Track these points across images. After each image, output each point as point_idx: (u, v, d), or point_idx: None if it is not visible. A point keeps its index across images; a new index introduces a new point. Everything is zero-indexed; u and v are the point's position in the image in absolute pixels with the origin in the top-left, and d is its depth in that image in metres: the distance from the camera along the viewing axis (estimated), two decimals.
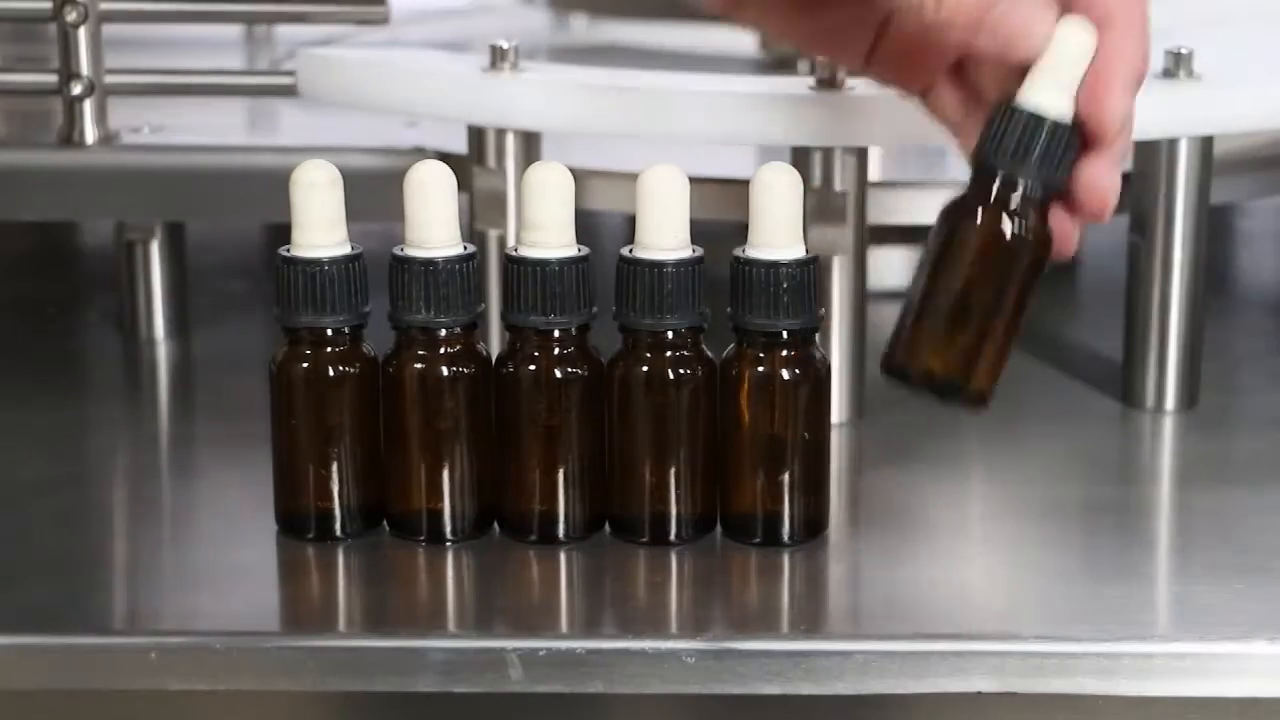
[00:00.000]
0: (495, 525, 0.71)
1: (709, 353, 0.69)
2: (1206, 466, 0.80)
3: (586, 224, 0.72)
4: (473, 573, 0.68)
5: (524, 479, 0.69)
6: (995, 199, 0.64)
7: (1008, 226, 0.64)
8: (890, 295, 0.99)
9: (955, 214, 0.65)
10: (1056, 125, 0.64)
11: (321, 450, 0.69)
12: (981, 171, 0.65)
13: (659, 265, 0.67)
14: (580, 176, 0.71)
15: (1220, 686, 0.63)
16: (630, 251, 0.68)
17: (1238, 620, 0.64)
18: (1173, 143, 0.82)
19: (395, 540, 0.70)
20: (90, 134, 0.91)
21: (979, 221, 0.64)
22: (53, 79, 0.91)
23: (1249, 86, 0.82)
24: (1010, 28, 0.63)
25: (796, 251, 0.68)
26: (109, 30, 0.91)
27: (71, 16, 0.89)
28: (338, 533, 0.70)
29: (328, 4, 0.94)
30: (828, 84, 0.79)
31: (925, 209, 0.88)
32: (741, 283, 0.68)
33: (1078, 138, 0.64)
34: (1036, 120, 0.64)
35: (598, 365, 0.69)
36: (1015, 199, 0.64)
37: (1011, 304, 0.65)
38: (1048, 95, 0.64)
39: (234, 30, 1.25)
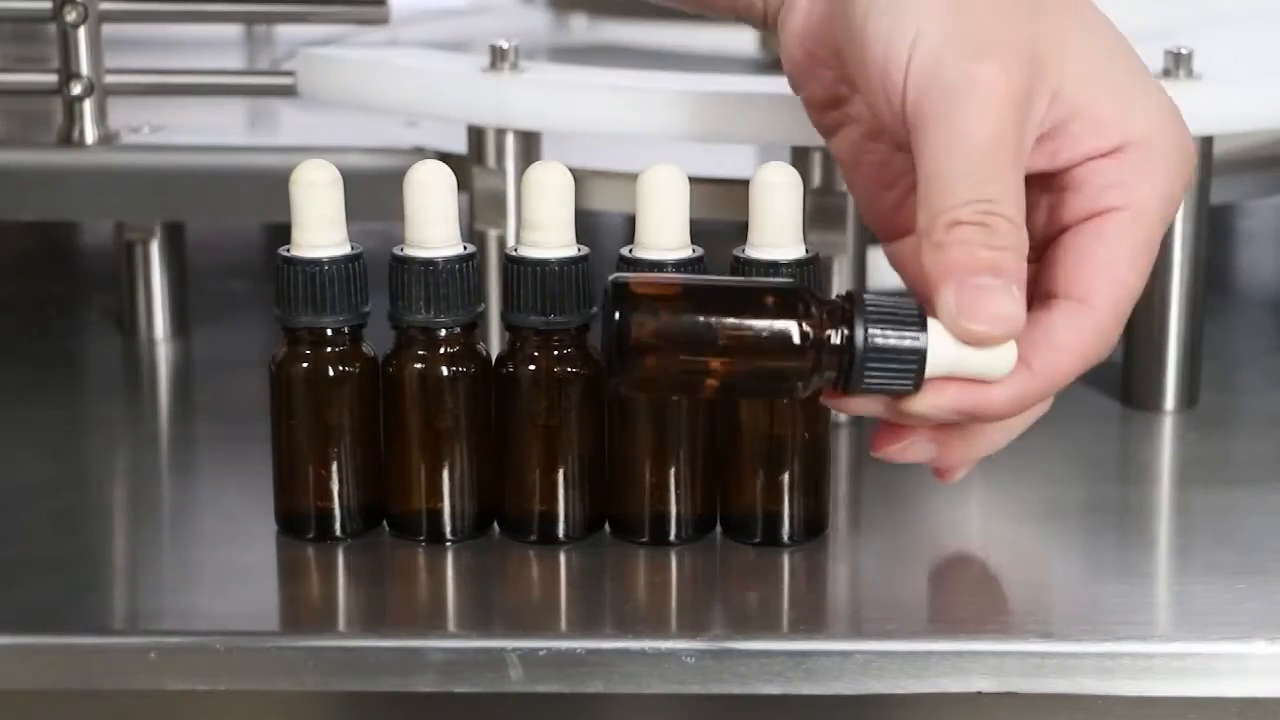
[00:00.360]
0: (495, 525, 0.71)
1: None
2: (1206, 466, 0.80)
3: (586, 224, 0.72)
4: (473, 573, 0.68)
5: (524, 479, 0.69)
6: (828, 319, 0.61)
7: (796, 336, 0.60)
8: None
9: (793, 293, 0.61)
10: (922, 353, 0.60)
11: (321, 450, 0.69)
12: (850, 296, 0.61)
13: (659, 265, 0.67)
14: (580, 176, 0.71)
15: (1220, 686, 0.63)
16: (630, 251, 0.68)
17: (1238, 620, 0.64)
18: None
19: (395, 540, 0.70)
20: (90, 134, 0.91)
21: (793, 318, 0.60)
22: (53, 79, 0.91)
23: (1249, 86, 0.82)
24: (971, 307, 0.60)
25: (796, 251, 0.68)
26: (109, 30, 0.91)
27: (71, 16, 0.89)
28: (338, 533, 0.70)
29: (328, 4, 0.94)
30: None
31: None
32: None
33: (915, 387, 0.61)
34: (920, 330, 0.60)
35: (598, 365, 0.69)
36: (839, 336, 0.61)
37: (737, 389, 0.61)
38: (946, 339, 0.60)
39: (234, 30, 1.25)
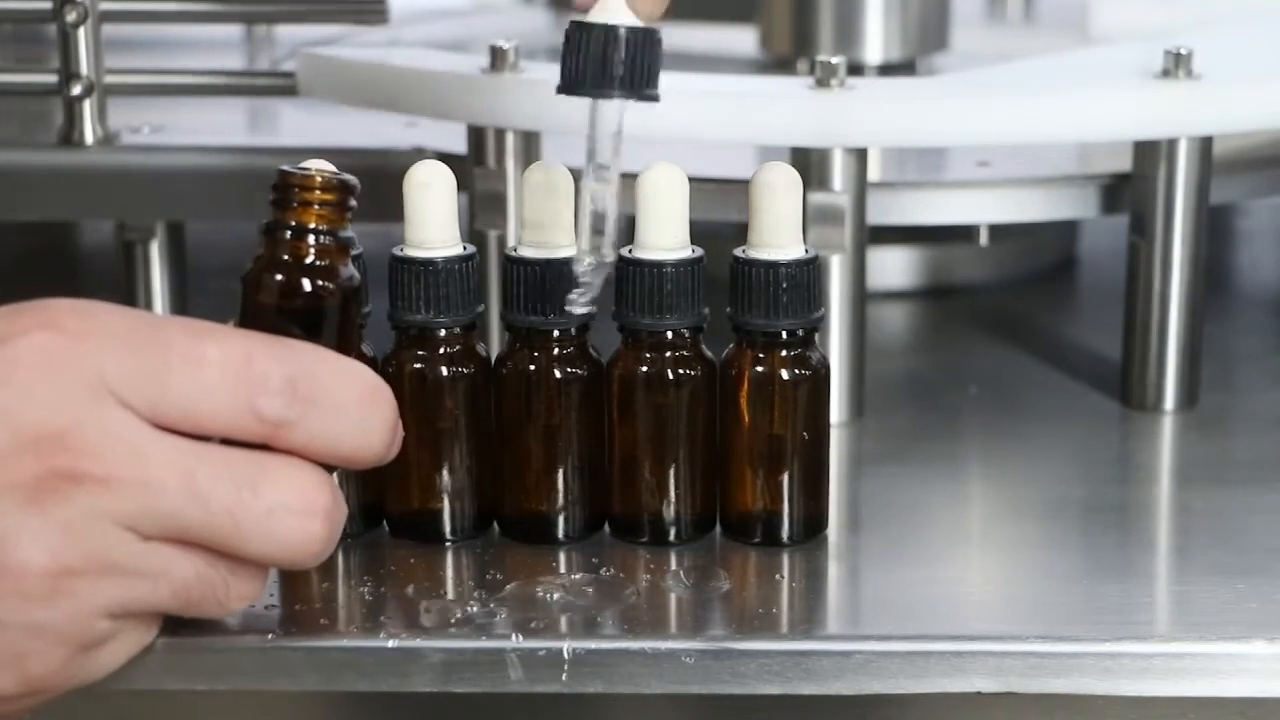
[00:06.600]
0: (495, 525, 0.71)
1: (709, 353, 0.69)
2: (1206, 466, 0.80)
3: None
4: (472, 573, 0.68)
5: (524, 479, 0.69)
6: (289, 250, 0.61)
7: (306, 283, 0.61)
8: (890, 295, 1.00)
9: (254, 271, 0.62)
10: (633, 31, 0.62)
11: None
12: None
13: (659, 265, 0.68)
14: (580, 176, 0.71)
15: (1220, 686, 0.63)
16: (630, 251, 0.68)
17: (1238, 620, 0.64)
18: (1172, 143, 0.82)
19: (395, 540, 0.70)
20: (90, 134, 0.91)
21: (278, 278, 0.62)
22: (53, 79, 0.91)
23: (1249, 86, 0.82)
24: None
25: (796, 251, 0.68)
26: (109, 30, 0.91)
27: (71, 17, 0.89)
28: None
29: (328, 4, 0.94)
30: (827, 84, 0.79)
31: (925, 209, 0.88)
32: (741, 283, 0.68)
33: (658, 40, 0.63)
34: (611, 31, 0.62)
35: (598, 365, 0.69)
36: (310, 245, 0.62)
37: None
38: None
39: (234, 30, 1.25)
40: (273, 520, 0.59)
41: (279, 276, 0.61)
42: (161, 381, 0.58)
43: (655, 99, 0.63)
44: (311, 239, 0.61)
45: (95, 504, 0.57)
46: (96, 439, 0.57)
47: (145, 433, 0.57)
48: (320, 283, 0.61)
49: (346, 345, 0.62)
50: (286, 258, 0.61)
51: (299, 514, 0.59)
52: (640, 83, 0.63)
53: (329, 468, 0.60)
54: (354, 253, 0.63)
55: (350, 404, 0.60)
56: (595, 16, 0.62)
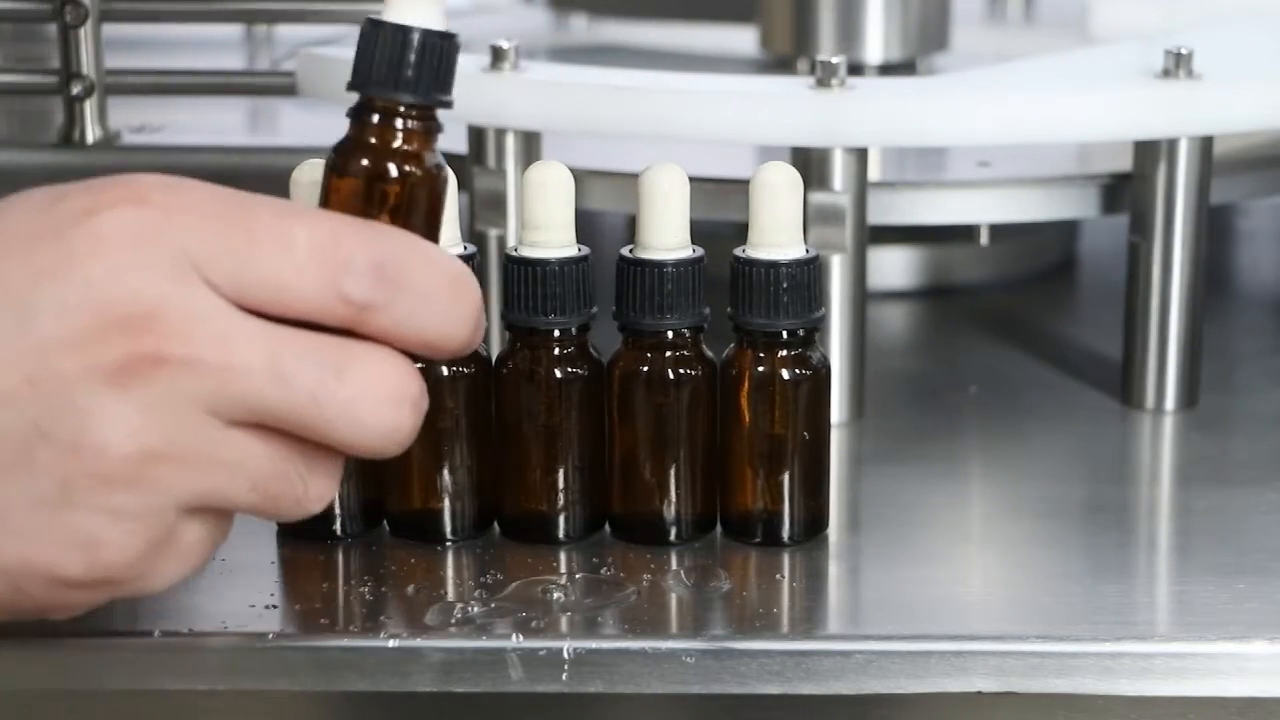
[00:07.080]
0: (495, 525, 0.71)
1: (709, 353, 0.69)
2: (1206, 466, 0.80)
3: (586, 224, 0.72)
4: (472, 573, 0.68)
5: (524, 479, 0.69)
6: (376, 135, 0.60)
7: (393, 168, 0.59)
8: (890, 295, 1.00)
9: (340, 156, 0.60)
10: (428, 34, 0.60)
11: None
12: (358, 103, 0.60)
13: (659, 265, 0.68)
14: (580, 176, 0.71)
15: (1220, 686, 0.63)
16: (630, 251, 0.68)
17: (1238, 620, 0.64)
18: (1173, 143, 0.82)
19: (395, 540, 0.70)
20: (90, 134, 0.91)
21: (364, 163, 0.59)
22: (53, 79, 0.91)
23: (1249, 86, 0.82)
24: None
25: (796, 251, 0.68)
26: (109, 30, 0.91)
27: (71, 16, 0.89)
28: (338, 532, 0.70)
29: (328, 4, 0.94)
30: (827, 84, 0.79)
31: (925, 209, 0.89)
32: (741, 283, 0.68)
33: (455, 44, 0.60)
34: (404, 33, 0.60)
35: (598, 365, 0.69)
36: (398, 129, 0.60)
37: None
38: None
39: (234, 30, 1.25)
40: (359, 406, 0.57)
41: (364, 161, 0.60)
42: (247, 261, 0.56)
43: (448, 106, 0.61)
44: (399, 123, 0.60)
45: (178, 386, 0.55)
46: (181, 320, 0.55)
47: (230, 314, 0.56)
48: (406, 168, 0.60)
49: (431, 233, 0.60)
50: (373, 141, 0.60)
51: (388, 401, 0.58)
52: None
53: (413, 357, 0.59)
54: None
55: (436, 291, 0.58)
56: (390, 15, 0.61)
